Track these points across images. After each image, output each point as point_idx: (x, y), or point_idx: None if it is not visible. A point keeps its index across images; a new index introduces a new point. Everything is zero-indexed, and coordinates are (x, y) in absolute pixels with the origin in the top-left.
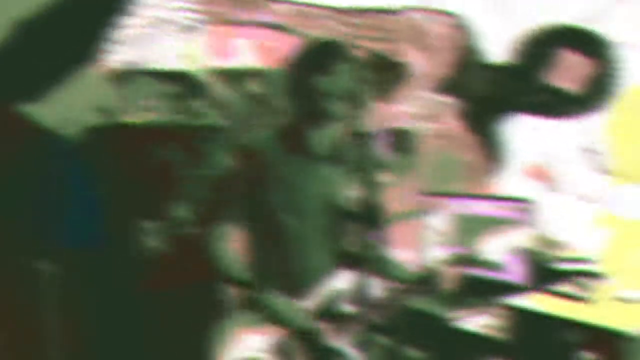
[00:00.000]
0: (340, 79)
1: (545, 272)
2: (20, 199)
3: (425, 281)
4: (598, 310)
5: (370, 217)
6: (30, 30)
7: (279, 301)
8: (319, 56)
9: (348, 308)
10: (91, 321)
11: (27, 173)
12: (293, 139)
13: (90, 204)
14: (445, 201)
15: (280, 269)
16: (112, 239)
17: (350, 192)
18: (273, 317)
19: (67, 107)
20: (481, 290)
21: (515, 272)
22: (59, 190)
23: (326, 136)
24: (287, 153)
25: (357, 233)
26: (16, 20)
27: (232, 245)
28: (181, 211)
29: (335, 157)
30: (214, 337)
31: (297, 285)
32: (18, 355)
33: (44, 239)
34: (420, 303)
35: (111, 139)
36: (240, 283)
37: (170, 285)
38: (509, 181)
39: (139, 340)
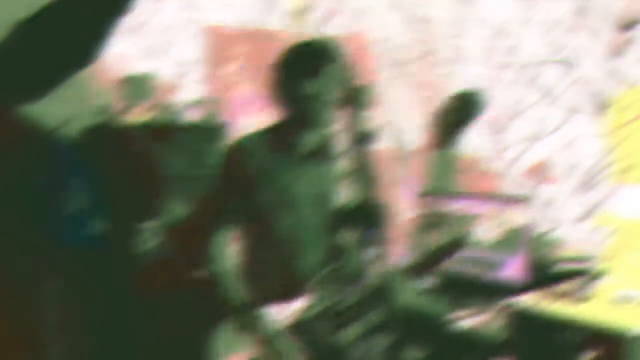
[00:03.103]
0: (327, 79)
1: (545, 272)
2: (20, 199)
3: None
4: (598, 310)
5: (367, 215)
6: (30, 30)
7: (264, 321)
8: (305, 57)
9: (344, 306)
10: (91, 321)
11: (27, 173)
12: (283, 138)
13: (90, 204)
14: (445, 201)
15: (275, 269)
16: (111, 238)
17: (343, 190)
18: (256, 335)
19: (67, 107)
20: (481, 290)
21: (515, 272)
22: (58, 190)
23: (315, 135)
24: (277, 152)
25: (353, 231)
26: (16, 20)
27: (230, 252)
28: (178, 211)
29: (325, 156)
30: (213, 338)
31: (292, 284)
32: (18, 355)
33: (44, 239)
34: (421, 303)
35: (111, 139)
36: (233, 300)
37: (170, 285)
38: (509, 180)
39: (139, 341)
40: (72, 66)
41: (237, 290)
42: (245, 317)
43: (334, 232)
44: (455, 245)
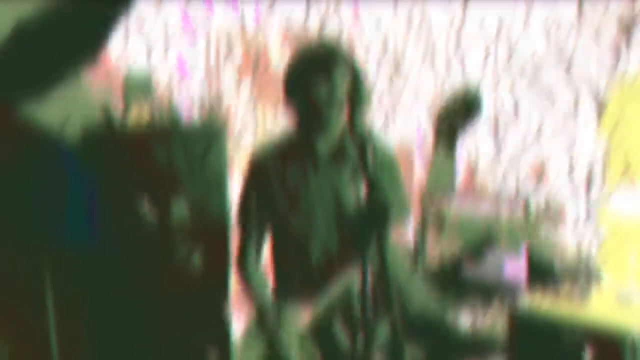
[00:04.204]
0: (336, 81)
1: (545, 272)
2: (21, 199)
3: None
4: (598, 310)
5: (376, 216)
6: (30, 31)
7: (287, 322)
8: (315, 59)
9: (358, 307)
10: (91, 321)
11: (27, 173)
12: (296, 143)
13: (90, 204)
14: (445, 201)
15: (292, 272)
16: (111, 238)
17: (356, 192)
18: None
19: (67, 107)
20: (481, 290)
21: (515, 273)
22: (58, 190)
23: (329, 138)
24: (290, 157)
25: (364, 232)
26: (16, 20)
27: (256, 255)
28: (180, 211)
29: (339, 159)
30: (213, 337)
31: (309, 286)
32: (18, 355)
33: (44, 239)
34: (421, 303)
35: (111, 138)
36: (259, 302)
37: (170, 285)
38: (509, 180)
39: (139, 341)
40: (72, 66)
41: (263, 292)
42: (269, 318)
43: (349, 235)
44: (474, 251)
